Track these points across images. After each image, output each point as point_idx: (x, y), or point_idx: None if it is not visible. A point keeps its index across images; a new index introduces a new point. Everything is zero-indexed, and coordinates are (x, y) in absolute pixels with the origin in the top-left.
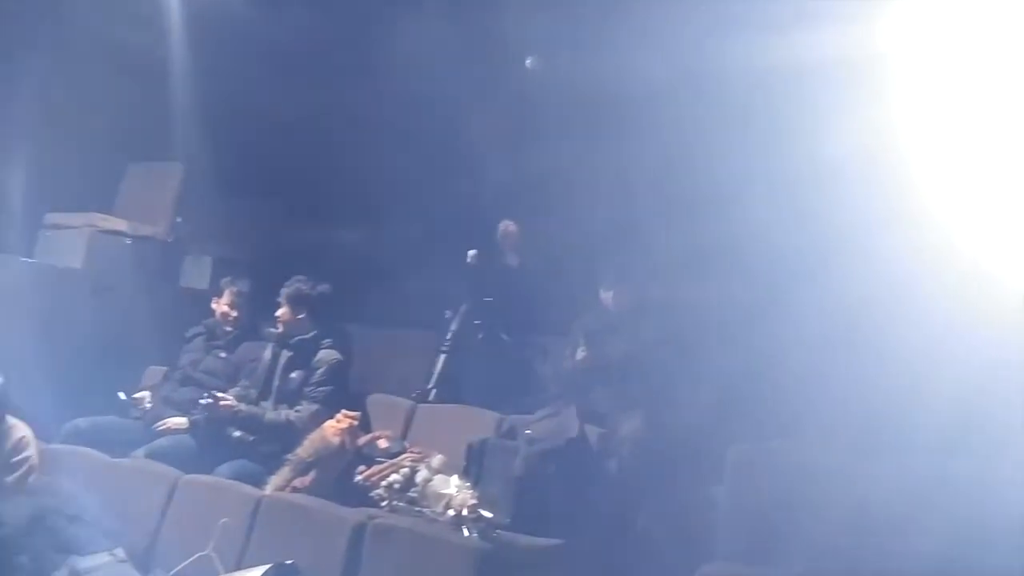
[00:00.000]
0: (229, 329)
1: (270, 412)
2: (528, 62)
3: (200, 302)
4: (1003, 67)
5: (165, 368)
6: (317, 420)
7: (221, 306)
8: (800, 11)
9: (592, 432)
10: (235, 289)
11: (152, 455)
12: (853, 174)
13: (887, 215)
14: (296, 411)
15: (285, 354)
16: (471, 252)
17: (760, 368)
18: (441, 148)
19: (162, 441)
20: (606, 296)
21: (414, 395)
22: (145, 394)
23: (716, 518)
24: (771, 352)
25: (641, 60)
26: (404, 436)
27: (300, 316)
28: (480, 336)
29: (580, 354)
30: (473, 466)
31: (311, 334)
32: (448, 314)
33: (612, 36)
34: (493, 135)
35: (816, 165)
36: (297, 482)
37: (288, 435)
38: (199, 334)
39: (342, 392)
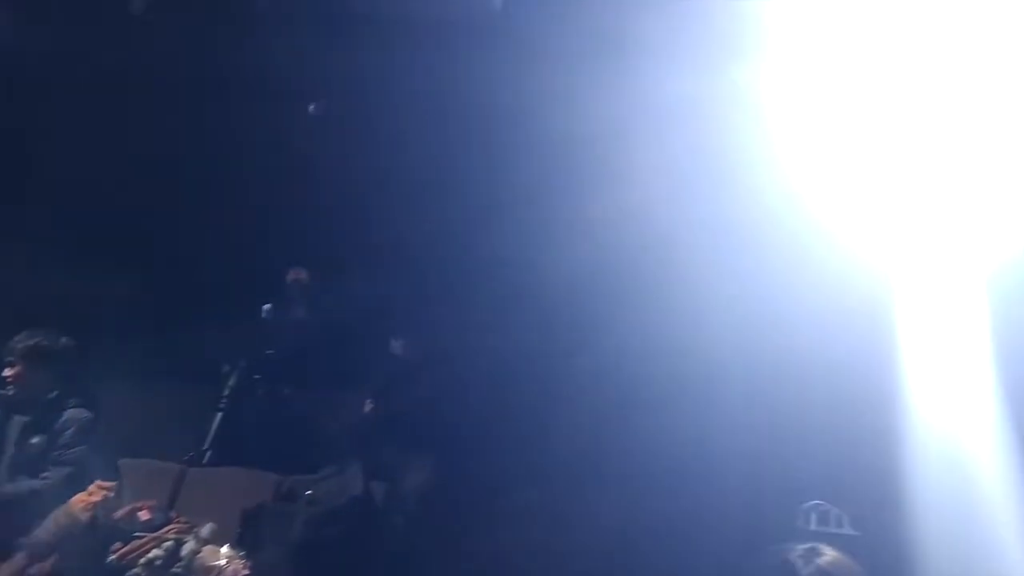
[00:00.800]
0: None
1: (7, 485)
2: (312, 107)
3: None
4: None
5: None
6: (72, 486)
7: None
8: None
9: (378, 489)
10: None
11: None
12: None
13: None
14: (43, 478)
15: (19, 419)
16: (265, 306)
17: (552, 417)
18: (223, 188)
19: None
20: (397, 345)
21: (185, 458)
22: None
23: (509, 566)
24: (563, 400)
25: (440, 111)
26: (171, 505)
27: (38, 374)
28: (261, 392)
29: (367, 406)
30: (248, 533)
31: (53, 394)
32: (225, 368)
33: (402, 80)
34: (280, 179)
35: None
36: (34, 570)
37: (33, 510)
38: None
39: (96, 455)
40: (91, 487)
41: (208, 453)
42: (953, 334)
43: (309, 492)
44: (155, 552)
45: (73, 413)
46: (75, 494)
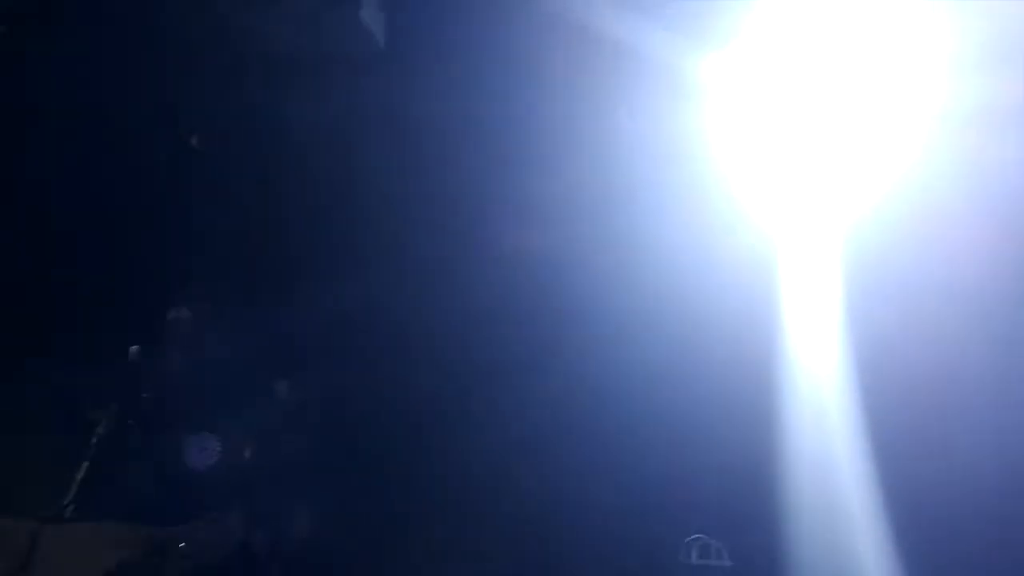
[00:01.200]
0: None
1: None
2: (193, 140)
3: None
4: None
5: None
6: None
7: None
8: None
9: (259, 537)
10: None
11: None
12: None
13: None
14: None
15: None
16: (133, 348)
17: (449, 456)
18: (98, 224)
19: None
20: (279, 387)
21: (44, 514)
22: None
23: None
24: (461, 439)
25: (330, 146)
26: (25, 566)
27: None
28: (133, 438)
29: (247, 451)
30: None
31: None
32: (95, 414)
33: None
34: (161, 215)
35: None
36: None
37: None
38: None
39: None
40: None
41: (71, 507)
42: (818, 336)
43: (183, 544)
44: None
45: None
46: None
